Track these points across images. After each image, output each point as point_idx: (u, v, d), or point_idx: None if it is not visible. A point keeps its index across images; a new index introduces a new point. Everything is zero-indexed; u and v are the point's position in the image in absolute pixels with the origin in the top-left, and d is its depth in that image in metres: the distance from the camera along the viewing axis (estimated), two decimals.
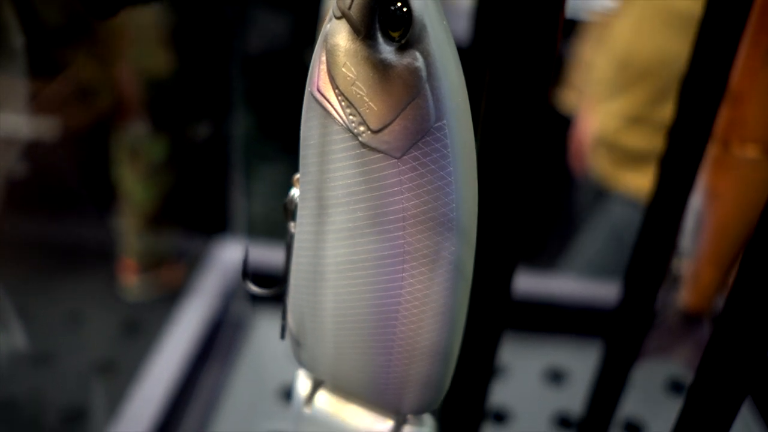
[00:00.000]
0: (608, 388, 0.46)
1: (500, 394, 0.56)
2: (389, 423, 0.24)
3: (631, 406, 0.55)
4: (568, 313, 0.63)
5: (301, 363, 0.25)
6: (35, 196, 0.84)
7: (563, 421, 0.55)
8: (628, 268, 0.43)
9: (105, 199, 0.97)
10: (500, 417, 0.55)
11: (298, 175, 0.22)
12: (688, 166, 0.39)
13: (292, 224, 0.23)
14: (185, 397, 0.53)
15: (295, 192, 0.22)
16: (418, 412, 0.24)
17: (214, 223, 0.73)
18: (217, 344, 0.61)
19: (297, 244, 0.22)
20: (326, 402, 0.25)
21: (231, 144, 0.86)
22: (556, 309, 0.62)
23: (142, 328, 0.70)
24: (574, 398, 0.56)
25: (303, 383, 0.26)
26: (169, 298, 0.60)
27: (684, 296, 0.49)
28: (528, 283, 0.64)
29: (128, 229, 0.99)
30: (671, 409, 0.55)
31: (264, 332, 0.63)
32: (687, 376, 0.60)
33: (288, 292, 0.24)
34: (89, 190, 0.95)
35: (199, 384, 0.56)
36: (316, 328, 0.23)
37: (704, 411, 0.27)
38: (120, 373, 0.62)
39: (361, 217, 0.20)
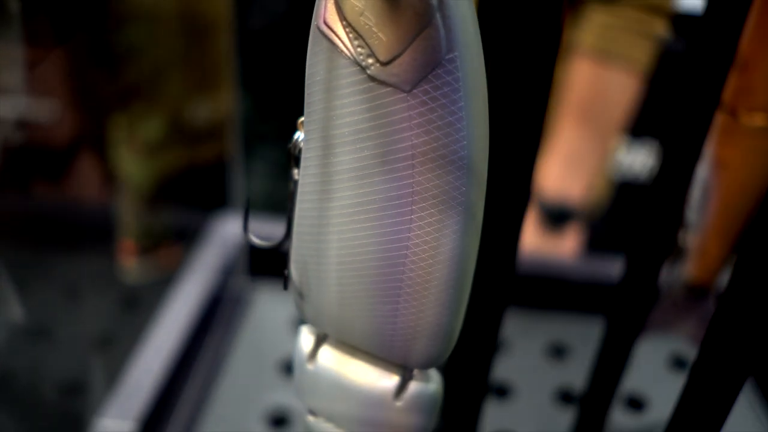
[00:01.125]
0: (610, 363, 0.45)
1: (501, 369, 0.56)
2: (395, 378, 0.23)
3: (633, 381, 0.54)
4: (570, 288, 0.62)
5: (304, 316, 0.24)
6: (34, 172, 0.83)
7: (565, 396, 0.54)
8: (632, 242, 0.42)
9: (105, 179, 0.96)
10: (502, 391, 0.54)
11: (302, 118, 0.21)
12: (694, 135, 0.38)
13: (295, 171, 0.22)
14: (184, 369, 0.53)
15: (299, 135, 0.21)
16: (426, 366, 0.23)
17: (213, 202, 0.72)
18: (216, 319, 0.60)
19: (301, 189, 0.22)
20: (330, 357, 0.25)
21: (231, 122, 0.85)
22: (558, 284, 0.62)
23: (141, 305, 0.69)
24: (575, 374, 0.56)
25: (306, 338, 0.25)
26: (167, 280, 0.59)
27: (689, 269, 0.49)
28: (529, 258, 0.63)
29: (127, 209, 0.98)
30: (674, 385, 0.55)
31: (263, 307, 0.62)
32: (690, 352, 0.59)
33: (291, 241, 0.23)
34: (89, 169, 0.94)
35: (199, 357, 0.56)
36: (321, 278, 0.22)
37: (707, 389, 0.27)
38: (118, 347, 0.62)
39: (368, 156, 0.19)
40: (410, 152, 0.19)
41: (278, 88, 1.00)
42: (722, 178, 0.46)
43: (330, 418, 0.26)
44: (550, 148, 0.71)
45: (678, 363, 0.58)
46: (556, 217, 0.72)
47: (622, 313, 0.44)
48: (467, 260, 0.20)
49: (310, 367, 0.25)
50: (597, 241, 0.81)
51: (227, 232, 0.65)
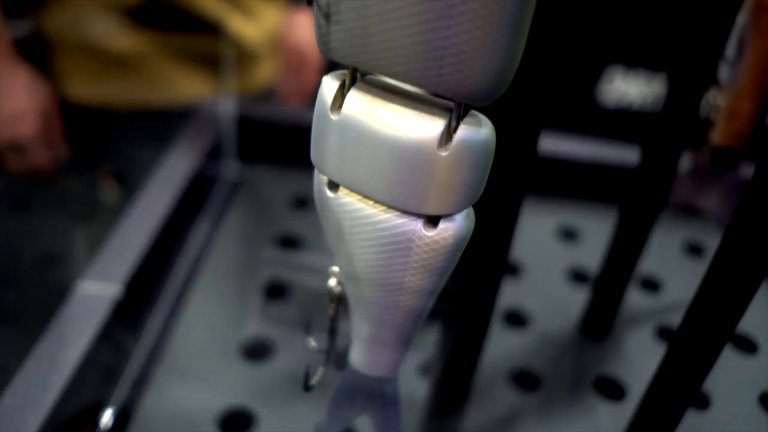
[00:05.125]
0: (626, 245, 0.43)
1: (513, 249, 0.53)
2: (440, 122, 0.20)
3: (648, 264, 0.52)
4: (582, 172, 0.59)
5: (329, 47, 0.20)
6: None
7: (577, 275, 0.51)
8: (649, 132, 0.39)
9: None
10: (513, 270, 0.51)
11: None
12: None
13: None
14: (174, 238, 0.49)
15: None
16: (479, 101, 0.19)
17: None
18: (208, 197, 0.56)
19: None
20: (359, 103, 0.21)
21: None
22: (570, 168, 0.59)
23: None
24: (586, 255, 0.53)
25: (329, 86, 0.21)
26: None
27: (717, 132, 0.46)
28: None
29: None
30: (688, 269, 0.53)
31: (256, 188, 0.58)
32: (704, 238, 0.57)
33: None
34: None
35: (190, 230, 0.52)
36: None
37: (727, 278, 0.24)
38: (101, 222, 0.58)
39: None
40: None
41: None
42: (761, 24, 0.42)
43: (355, 187, 0.22)
44: None
45: (692, 249, 0.56)
46: None
47: (639, 199, 0.41)
48: None
49: (333, 117, 0.21)
50: None
51: (218, 113, 0.60)
